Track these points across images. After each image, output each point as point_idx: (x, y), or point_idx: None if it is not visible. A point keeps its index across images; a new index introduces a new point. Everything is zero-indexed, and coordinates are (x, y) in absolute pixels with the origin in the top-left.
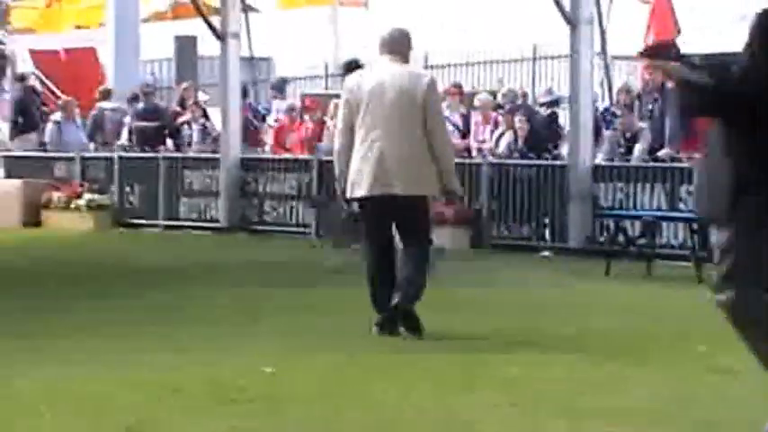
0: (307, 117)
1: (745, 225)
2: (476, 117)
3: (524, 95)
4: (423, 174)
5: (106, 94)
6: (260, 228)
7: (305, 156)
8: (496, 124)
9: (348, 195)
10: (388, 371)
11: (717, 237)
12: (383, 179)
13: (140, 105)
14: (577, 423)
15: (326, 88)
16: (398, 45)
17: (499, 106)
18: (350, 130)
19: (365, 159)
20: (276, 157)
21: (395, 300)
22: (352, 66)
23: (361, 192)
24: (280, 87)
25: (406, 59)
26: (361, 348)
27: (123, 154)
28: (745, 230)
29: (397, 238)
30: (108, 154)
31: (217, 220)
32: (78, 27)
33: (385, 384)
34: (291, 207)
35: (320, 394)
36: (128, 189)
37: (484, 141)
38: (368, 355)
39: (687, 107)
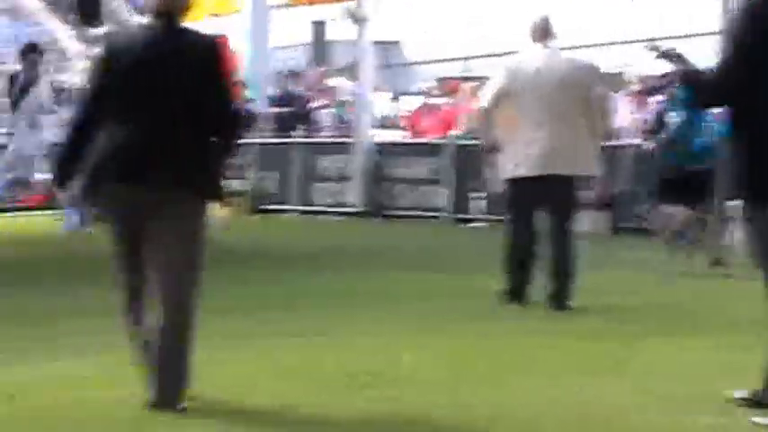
0: (443, 100)
1: None
2: (625, 97)
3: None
4: (585, 154)
5: None
6: (394, 212)
7: (439, 140)
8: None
9: (506, 176)
10: (526, 356)
11: None
12: (547, 160)
13: (275, 92)
14: (725, 413)
15: (460, 71)
16: (549, 32)
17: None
18: (497, 104)
19: (529, 142)
20: (410, 141)
21: (550, 290)
22: (30, 49)
23: (522, 171)
24: None
25: (553, 45)
26: (498, 334)
27: (259, 140)
28: None
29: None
30: (244, 140)
31: (351, 205)
32: (213, 15)
33: (523, 370)
34: (426, 191)
35: (454, 379)
36: (263, 175)
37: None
38: (505, 340)
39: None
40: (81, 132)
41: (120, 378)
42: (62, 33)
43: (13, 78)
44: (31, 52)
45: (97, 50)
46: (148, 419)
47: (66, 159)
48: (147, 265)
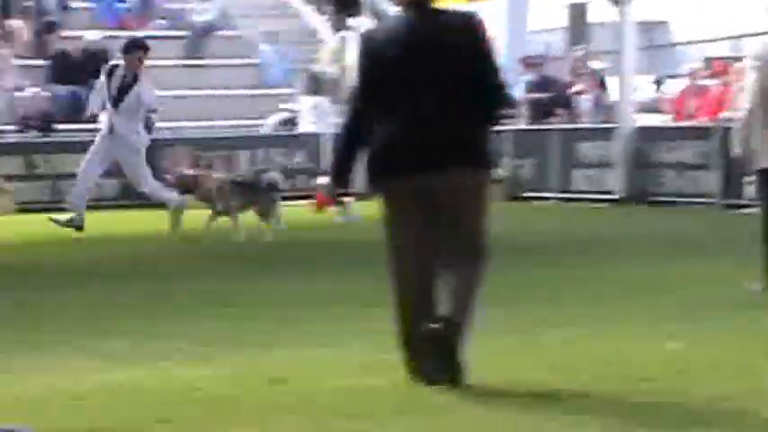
0: (710, 82)
1: None
2: None
3: None
4: None
5: None
6: (659, 198)
7: (707, 123)
8: None
9: (761, 166)
10: None
11: None
12: None
13: (533, 77)
14: None
15: (730, 51)
16: None
17: None
18: (759, 99)
19: None
20: (675, 125)
21: None
22: (134, 45)
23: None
24: None
25: None
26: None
27: (515, 127)
28: None
29: None
30: (501, 127)
31: (612, 192)
32: (470, 1)
33: None
34: (694, 177)
35: (729, 372)
36: (520, 162)
37: None
38: None
39: None
40: (353, 130)
41: (380, 366)
42: (319, 24)
43: (110, 72)
44: (135, 48)
45: (356, 43)
46: (412, 405)
47: (342, 158)
48: (431, 253)
